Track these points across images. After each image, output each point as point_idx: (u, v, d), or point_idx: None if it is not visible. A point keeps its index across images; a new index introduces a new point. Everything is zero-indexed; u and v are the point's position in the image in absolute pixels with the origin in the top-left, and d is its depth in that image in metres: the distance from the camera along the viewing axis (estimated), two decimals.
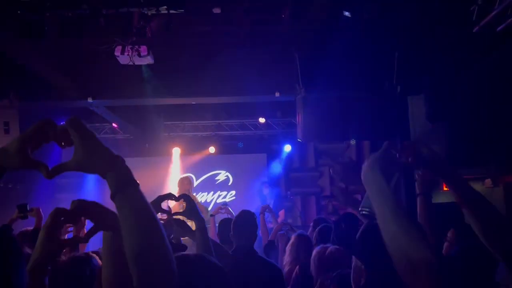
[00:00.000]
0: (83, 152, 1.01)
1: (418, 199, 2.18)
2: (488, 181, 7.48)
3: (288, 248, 3.44)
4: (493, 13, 4.44)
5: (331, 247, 2.89)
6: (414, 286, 1.12)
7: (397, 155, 1.34)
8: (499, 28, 4.54)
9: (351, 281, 1.70)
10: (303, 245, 3.54)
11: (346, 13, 4.17)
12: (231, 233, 3.04)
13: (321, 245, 2.97)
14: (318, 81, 6.03)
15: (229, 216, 4.88)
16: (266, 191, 8.37)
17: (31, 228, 3.49)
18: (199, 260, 1.45)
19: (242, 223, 3.04)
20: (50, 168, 1.02)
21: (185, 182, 6.71)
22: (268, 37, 5.87)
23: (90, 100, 6.70)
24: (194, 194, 6.80)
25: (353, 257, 1.69)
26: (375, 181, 1.27)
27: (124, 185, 1.02)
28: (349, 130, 6.25)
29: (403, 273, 1.14)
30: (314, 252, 2.96)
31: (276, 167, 9.70)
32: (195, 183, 9.44)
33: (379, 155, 1.32)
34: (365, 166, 1.31)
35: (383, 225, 1.21)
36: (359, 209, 1.56)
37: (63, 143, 1.05)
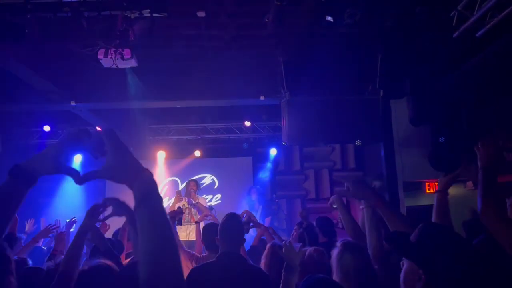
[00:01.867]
0: (115, 161, 1.07)
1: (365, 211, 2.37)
2: (469, 184, 7.60)
3: (262, 258, 3.37)
4: (473, 19, 4.53)
5: (309, 249, 2.90)
6: None
7: None
8: (478, 34, 4.63)
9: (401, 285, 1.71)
10: (276, 255, 3.49)
11: (329, 18, 4.21)
12: (217, 237, 2.94)
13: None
14: (303, 85, 6.08)
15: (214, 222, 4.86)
16: (254, 196, 8.37)
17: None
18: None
19: (228, 228, 2.92)
20: (81, 175, 1.08)
21: (191, 184, 6.94)
22: (252, 41, 5.89)
23: (73, 103, 6.64)
24: (201, 196, 6.97)
25: (404, 259, 1.70)
26: None
27: (147, 198, 1.05)
28: (334, 133, 6.30)
29: None
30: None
31: (264, 172, 9.70)
32: (180, 187, 9.40)
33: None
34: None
35: None
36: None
37: (96, 154, 1.11)
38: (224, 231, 2.92)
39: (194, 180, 7.23)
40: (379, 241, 2.25)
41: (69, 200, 8.80)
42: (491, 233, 1.82)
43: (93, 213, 2.59)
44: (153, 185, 1.07)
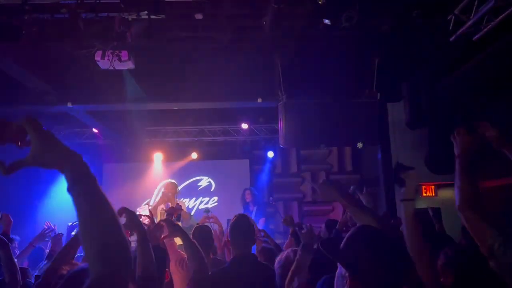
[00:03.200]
0: (41, 147, 1.05)
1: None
2: None
3: None
4: (469, 23, 4.55)
5: (287, 251, 2.93)
6: None
7: None
8: (475, 37, 4.65)
9: None
10: (263, 259, 3.48)
11: (326, 21, 4.22)
12: (230, 239, 2.90)
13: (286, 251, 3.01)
14: (300, 88, 6.08)
15: (214, 227, 4.84)
16: (248, 198, 8.36)
17: None
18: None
19: (241, 230, 2.87)
20: (7, 165, 1.04)
21: (170, 187, 6.70)
22: (249, 44, 5.89)
23: (70, 105, 6.61)
24: (178, 199, 6.77)
25: (338, 264, 1.72)
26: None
27: (80, 180, 1.05)
28: (331, 136, 6.30)
29: None
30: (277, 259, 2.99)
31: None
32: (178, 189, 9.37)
33: None
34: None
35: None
36: None
37: (19, 143, 1.07)
38: (236, 235, 2.86)
39: (172, 182, 6.98)
40: None
41: (62, 202, 8.76)
42: (466, 227, 1.78)
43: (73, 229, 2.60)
44: (84, 166, 1.07)
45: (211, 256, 3.80)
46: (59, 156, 1.06)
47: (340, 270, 1.69)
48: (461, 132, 2.00)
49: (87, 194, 1.04)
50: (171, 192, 6.55)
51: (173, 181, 7.19)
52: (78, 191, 1.04)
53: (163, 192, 6.65)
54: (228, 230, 2.93)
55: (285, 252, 2.99)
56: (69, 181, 1.05)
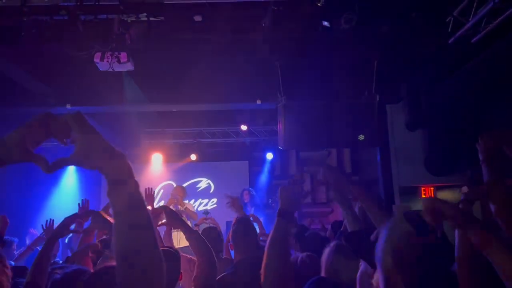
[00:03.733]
0: (85, 146, 0.99)
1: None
2: (464, 189, 7.62)
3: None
4: (468, 25, 4.56)
5: (301, 255, 2.86)
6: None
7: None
8: (474, 39, 4.66)
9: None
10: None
11: (325, 23, 4.22)
12: (233, 244, 2.84)
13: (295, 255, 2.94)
14: (299, 90, 6.08)
15: (212, 226, 4.85)
16: (246, 198, 8.35)
17: None
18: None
19: (242, 234, 2.81)
20: (50, 163, 0.99)
21: (179, 190, 6.92)
22: (249, 46, 5.89)
23: (68, 106, 6.61)
24: (186, 202, 6.96)
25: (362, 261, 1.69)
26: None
27: (121, 182, 0.99)
28: (330, 138, 6.30)
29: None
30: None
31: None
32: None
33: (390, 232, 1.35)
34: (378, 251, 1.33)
35: None
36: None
37: (64, 139, 1.02)
38: (237, 237, 2.82)
39: (181, 186, 7.22)
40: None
41: (63, 203, 8.76)
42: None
43: (69, 223, 2.55)
44: (127, 169, 1.01)
45: (224, 257, 3.78)
46: (103, 157, 1.00)
47: (365, 267, 1.67)
48: (485, 137, 2.03)
49: (125, 197, 0.99)
50: (180, 195, 6.73)
51: (182, 185, 7.46)
52: (116, 194, 0.99)
53: (172, 194, 6.86)
54: (230, 234, 2.90)
55: (300, 257, 2.94)
56: (110, 184, 0.99)
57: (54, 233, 2.53)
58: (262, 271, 1.80)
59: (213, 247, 2.71)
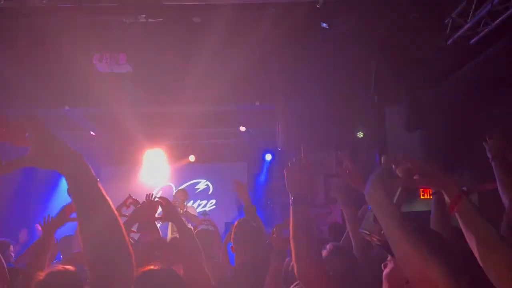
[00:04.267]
0: (40, 146, 1.02)
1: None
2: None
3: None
4: (467, 26, 4.57)
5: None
6: None
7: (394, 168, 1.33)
8: (472, 41, 4.67)
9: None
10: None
11: (324, 25, 4.23)
12: (234, 246, 2.81)
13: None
14: (298, 91, 6.09)
15: (211, 228, 4.83)
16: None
17: None
18: (167, 275, 1.45)
19: (243, 236, 2.77)
20: (4, 163, 1.00)
21: (180, 193, 7.00)
22: (247, 47, 5.89)
23: (67, 108, 6.60)
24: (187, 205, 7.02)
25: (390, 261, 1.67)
26: (378, 199, 1.27)
27: (81, 181, 1.03)
28: (328, 139, 6.32)
29: (418, 283, 1.14)
30: None
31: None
32: (174, 192, 9.38)
33: (379, 172, 1.31)
34: (368, 186, 1.30)
35: (392, 243, 1.20)
36: (360, 229, 1.52)
37: (18, 142, 1.04)
38: (238, 240, 2.78)
39: (183, 190, 7.31)
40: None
41: (58, 200, 8.75)
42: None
43: (69, 211, 2.51)
44: (84, 167, 1.04)
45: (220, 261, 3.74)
46: (59, 156, 1.03)
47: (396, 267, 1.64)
48: (494, 136, 2.10)
49: (88, 195, 1.02)
50: (181, 198, 6.78)
51: (182, 188, 7.67)
52: (78, 192, 1.02)
53: (174, 196, 6.92)
54: (232, 237, 2.85)
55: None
56: (69, 182, 1.03)
57: (52, 222, 2.51)
58: (293, 262, 1.74)
59: (206, 251, 2.62)
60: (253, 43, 5.66)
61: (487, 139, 2.13)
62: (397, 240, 1.18)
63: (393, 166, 1.34)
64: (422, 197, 8.17)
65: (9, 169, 1.01)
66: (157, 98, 6.68)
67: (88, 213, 1.01)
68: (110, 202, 1.05)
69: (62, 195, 9.03)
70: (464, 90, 5.65)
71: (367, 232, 1.46)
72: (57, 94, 6.51)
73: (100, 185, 1.06)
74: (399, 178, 1.31)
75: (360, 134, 6.31)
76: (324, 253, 2.17)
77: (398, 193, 1.32)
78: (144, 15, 4.13)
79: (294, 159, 1.92)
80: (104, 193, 1.05)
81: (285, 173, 1.88)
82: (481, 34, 4.54)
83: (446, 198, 1.33)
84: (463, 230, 1.26)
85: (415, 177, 1.33)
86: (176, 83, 6.38)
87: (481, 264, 1.19)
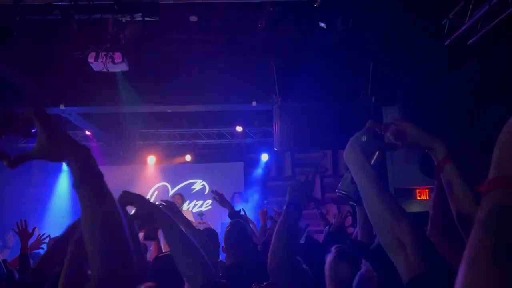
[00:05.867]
0: (47, 139, 1.01)
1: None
2: None
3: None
4: (464, 27, 4.56)
5: None
6: (399, 261, 1.12)
7: (379, 131, 1.37)
8: (469, 42, 4.66)
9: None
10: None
11: (322, 24, 4.21)
12: (225, 247, 2.79)
13: None
14: (295, 91, 6.06)
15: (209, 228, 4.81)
16: (238, 201, 8.30)
17: None
18: None
19: (235, 238, 2.75)
20: (12, 157, 1.00)
21: (177, 197, 7.09)
22: (244, 46, 5.87)
23: (62, 107, 6.55)
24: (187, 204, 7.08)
25: (364, 262, 1.68)
26: (355, 159, 1.29)
27: (87, 176, 1.02)
28: (325, 139, 6.29)
29: (390, 247, 1.15)
30: None
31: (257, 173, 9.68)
32: (171, 192, 9.35)
33: (359, 133, 1.34)
34: (347, 147, 1.33)
35: (367, 202, 1.22)
36: (336, 190, 1.58)
37: (25, 135, 1.04)
38: (230, 241, 2.77)
39: (179, 194, 7.42)
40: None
41: (58, 207, 8.70)
42: None
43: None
44: (91, 161, 1.04)
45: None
46: (66, 150, 1.03)
47: (366, 271, 1.65)
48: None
49: (93, 190, 1.02)
50: (178, 202, 6.77)
51: (180, 194, 7.71)
52: (84, 186, 1.01)
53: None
54: (223, 237, 2.85)
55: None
56: (75, 176, 1.02)
57: (67, 232, 2.45)
58: (269, 255, 1.90)
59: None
60: (250, 42, 5.64)
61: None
62: (372, 200, 1.20)
63: (381, 129, 1.37)
64: (418, 197, 8.19)
65: (16, 163, 1.00)
66: (153, 97, 6.64)
67: (93, 209, 1.01)
68: (115, 199, 1.05)
69: (56, 195, 8.97)
70: (461, 91, 5.65)
71: (344, 192, 1.54)
72: (52, 93, 6.46)
73: (104, 180, 1.05)
74: (377, 140, 1.35)
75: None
76: (330, 257, 2.16)
77: (375, 155, 1.37)
78: (140, 14, 4.09)
79: (301, 179, 2.10)
80: (109, 189, 1.05)
81: (289, 187, 2.04)
82: (479, 35, 4.53)
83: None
84: (446, 189, 1.30)
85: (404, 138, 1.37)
86: (172, 82, 6.34)
87: (456, 222, 1.25)
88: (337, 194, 1.58)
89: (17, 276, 2.90)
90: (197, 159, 9.62)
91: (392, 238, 1.13)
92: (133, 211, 1.75)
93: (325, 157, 9.80)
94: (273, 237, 1.93)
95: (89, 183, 1.02)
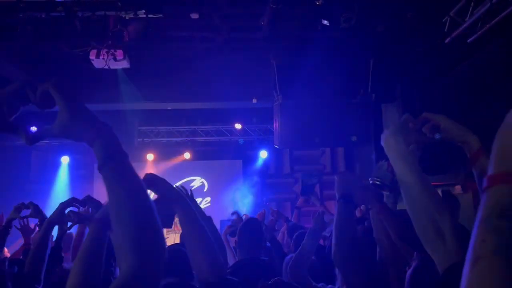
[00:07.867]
0: (69, 116, 0.92)
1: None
2: (457, 188, 7.68)
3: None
4: (465, 25, 4.59)
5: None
6: (437, 250, 1.15)
7: (414, 125, 1.39)
8: (470, 40, 4.69)
9: None
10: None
11: (325, 22, 4.22)
12: (237, 242, 2.82)
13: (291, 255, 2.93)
14: (295, 88, 6.08)
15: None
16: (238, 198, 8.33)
17: None
18: None
19: (249, 234, 2.77)
20: (31, 133, 0.93)
21: None
22: (245, 44, 5.88)
23: None
24: None
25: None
26: (398, 147, 1.31)
27: (114, 155, 0.93)
28: (325, 137, 6.32)
29: (427, 236, 1.17)
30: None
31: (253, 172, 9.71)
32: None
33: (402, 124, 1.35)
34: (387, 133, 1.34)
35: (407, 191, 1.25)
36: (369, 179, 1.60)
37: (45, 108, 0.96)
38: (243, 237, 2.79)
39: None
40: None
41: (57, 204, 8.66)
42: None
43: (66, 207, 2.47)
44: (115, 140, 0.95)
45: None
46: (89, 128, 0.93)
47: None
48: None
49: (120, 171, 0.93)
50: None
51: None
52: (110, 167, 0.92)
53: None
54: (238, 231, 2.87)
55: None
56: (100, 157, 0.93)
57: (49, 219, 2.47)
58: (332, 251, 1.96)
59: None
60: (251, 40, 5.65)
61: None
62: (413, 189, 1.22)
63: (416, 123, 1.38)
64: None
65: (35, 140, 0.94)
66: (153, 94, 6.64)
67: (122, 193, 0.92)
68: (140, 178, 0.97)
69: (54, 190, 8.95)
70: (461, 89, 5.68)
71: (379, 180, 1.56)
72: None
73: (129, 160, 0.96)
74: (415, 133, 1.36)
75: (354, 139, 6.35)
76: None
77: (411, 148, 1.38)
78: (143, 11, 4.09)
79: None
80: (134, 169, 0.96)
81: (336, 176, 2.08)
82: (479, 33, 4.56)
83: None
84: (477, 182, 1.33)
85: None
86: (172, 79, 6.35)
87: None
88: (371, 182, 1.58)
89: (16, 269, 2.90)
90: (196, 157, 9.62)
91: (431, 226, 1.15)
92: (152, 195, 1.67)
93: (323, 155, 9.84)
94: (333, 232, 2.00)
95: (115, 163, 0.93)
